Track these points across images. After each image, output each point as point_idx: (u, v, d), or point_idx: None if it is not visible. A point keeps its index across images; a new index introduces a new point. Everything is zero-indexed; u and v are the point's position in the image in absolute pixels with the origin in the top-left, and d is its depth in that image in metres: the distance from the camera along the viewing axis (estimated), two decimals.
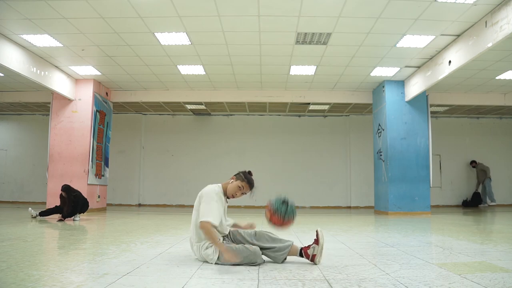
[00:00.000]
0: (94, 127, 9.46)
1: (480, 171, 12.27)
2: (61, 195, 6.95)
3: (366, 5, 5.65)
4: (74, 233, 5.17)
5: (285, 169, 12.69)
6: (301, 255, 2.97)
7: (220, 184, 3.11)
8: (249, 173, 3.17)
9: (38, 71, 7.85)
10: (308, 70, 8.57)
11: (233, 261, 2.76)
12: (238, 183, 3.04)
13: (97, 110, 9.58)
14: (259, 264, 2.88)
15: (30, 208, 7.27)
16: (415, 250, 3.63)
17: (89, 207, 7.40)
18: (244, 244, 2.97)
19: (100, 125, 9.76)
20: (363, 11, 5.84)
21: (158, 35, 6.74)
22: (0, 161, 13.04)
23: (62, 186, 7.00)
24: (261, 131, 13.03)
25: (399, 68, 8.48)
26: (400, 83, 9.36)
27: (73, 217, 6.90)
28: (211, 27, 6.41)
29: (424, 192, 9.13)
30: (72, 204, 6.82)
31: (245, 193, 3.10)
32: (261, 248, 2.95)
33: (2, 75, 8.84)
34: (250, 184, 3.08)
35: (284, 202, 2.93)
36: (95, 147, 9.48)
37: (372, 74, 8.84)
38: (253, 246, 2.90)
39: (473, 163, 12.50)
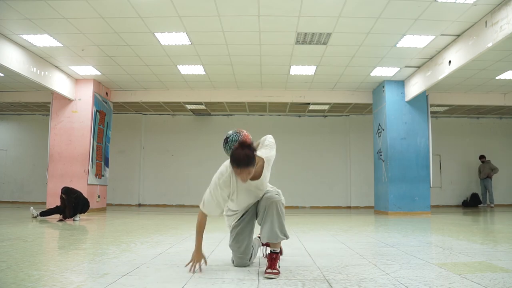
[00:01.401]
0: (94, 127, 9.46)
1: (487, 169, 12.20)
2: (61, 196, 6.95)
3: (366, 5, 5.65)
4: (74, 233, 5.17)
5: (285, 169, 12.67)
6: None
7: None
8: (240, 144, 2.45)
9: (38, 71, 7.85)
10: (308, 70, 8.57)
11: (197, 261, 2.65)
12: (236, 172, 2.51)
13: (97, 110, 9.57)
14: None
15: (31, 208, 7.28)
16: (415, 250, 3.63)
17: (89, 207, 7.40)
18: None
19: (100, 125, 9.76)
20: (363, 11, 5.84)
21: (158, 35, 6.74)
22: (0, 161, 13.04)
23: (62, 189, 7.00)
24: (261, 131, 12.89)
25: (399, 68, 8.48)
26: (400, 83, 9.36)
27: (73, 217, 6.91)
28: (211, 27, 6.41)
29: (424, 192, 9.12)
30: (72, 205, 6.83)
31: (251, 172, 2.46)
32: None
33: (2, 75, 8.84)
34: (242, 165, 2.40)
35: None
36: (95, 147, 9.48)
37: (372, 74, 8.84)
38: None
39: (482, 158, 12.39)
